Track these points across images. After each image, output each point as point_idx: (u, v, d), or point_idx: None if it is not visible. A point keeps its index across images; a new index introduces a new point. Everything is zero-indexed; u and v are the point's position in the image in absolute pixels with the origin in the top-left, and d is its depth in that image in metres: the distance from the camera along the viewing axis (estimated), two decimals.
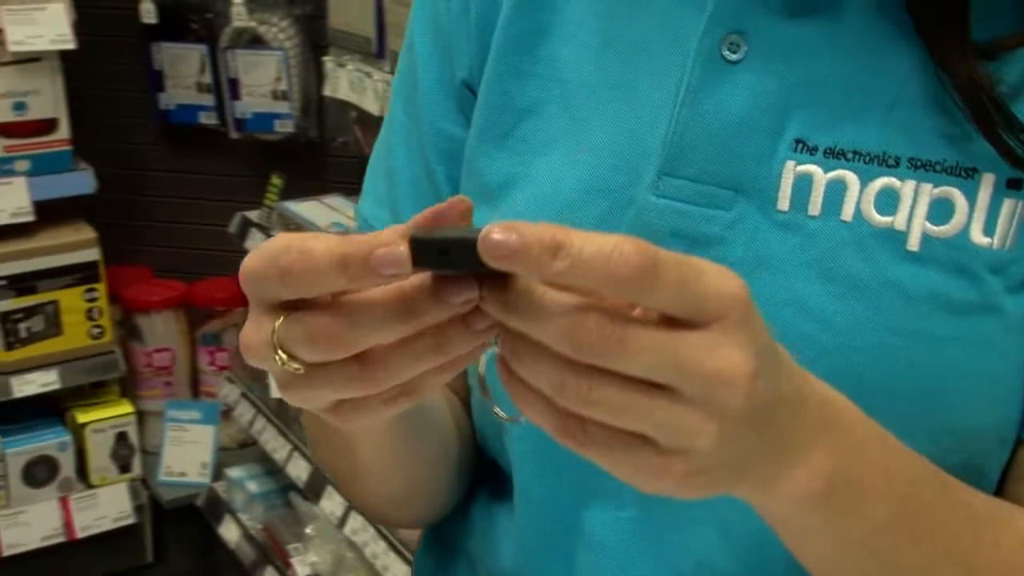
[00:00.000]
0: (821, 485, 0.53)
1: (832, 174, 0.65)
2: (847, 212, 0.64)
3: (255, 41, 2.54)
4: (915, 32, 0.64)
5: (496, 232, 0.44)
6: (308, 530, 2.29)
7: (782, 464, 0.52)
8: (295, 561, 2.29)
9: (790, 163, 0.65)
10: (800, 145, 0.65)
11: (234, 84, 2.55)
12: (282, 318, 0.51)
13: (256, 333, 0.52)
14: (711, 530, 0.68)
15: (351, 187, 2.30)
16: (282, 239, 0.50)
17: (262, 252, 0.50)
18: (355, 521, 2.01)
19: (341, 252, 0.47)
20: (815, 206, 0.65)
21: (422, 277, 0.48)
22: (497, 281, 0.48)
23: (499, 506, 0.77)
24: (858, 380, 0.62)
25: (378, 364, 0.50)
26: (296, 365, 0.51)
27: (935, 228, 0.63)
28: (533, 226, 0.44)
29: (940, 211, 0.63)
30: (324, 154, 2.64)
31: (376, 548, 1.93)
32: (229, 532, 2.51)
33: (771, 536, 0.58)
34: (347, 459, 0.74)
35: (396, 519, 0.84)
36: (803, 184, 0.65)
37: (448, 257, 0.46)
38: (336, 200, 2.39)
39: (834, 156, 0.65)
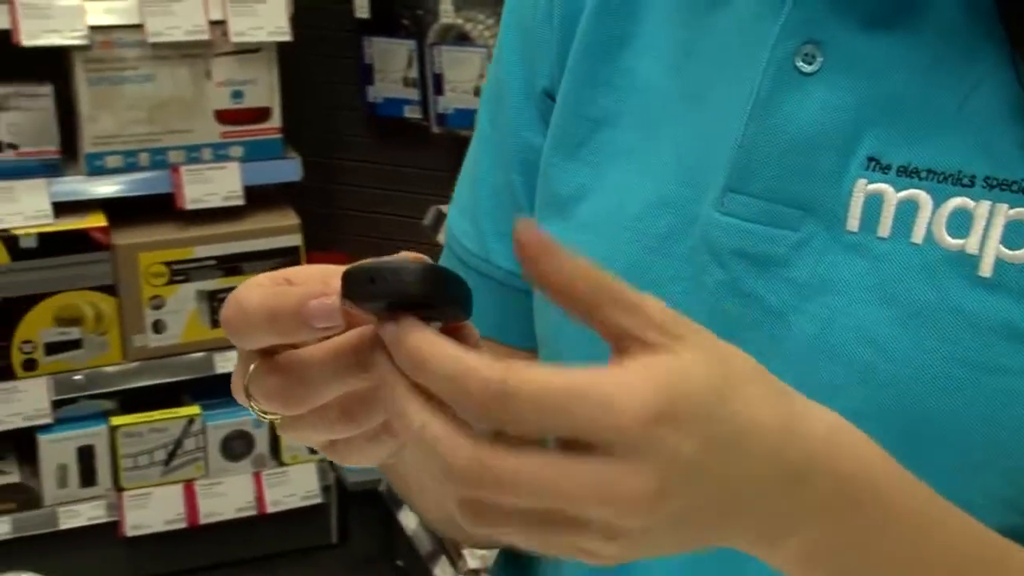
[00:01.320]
0: (814, 553, 0.51)
1: (904, 193, 0.60)
2: (918, 234, 0.60)
3: (461, 38, 2.57)
4: (998, 41, 0.59)
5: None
6: None
7: (765, 536, 0.50)
8: (466, 553, 2.31)
9: (861, 181, 0.61)
10: (873, 163, 0.61)
11: (438, 80, 2.59)
12: (253, 367, 0.50)
13: (236, 379, 0.52)
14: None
15: None
16: (238, 290, 0.50)
17: (228, 298, 0.50)
18: None
19: (270, 307, 0.47)
20: (885, 227, 0.60)
21: (372, 328, 0.47)
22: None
23: None
24: (922, 412, 0.58)
25: (356, 403, 0.50)
26: (271, 416, 0.51)
27: (1010, 252, 0.58)
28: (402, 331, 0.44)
29: (1016, 234, 0.58)
30: None
31: None
32: (408, 519, 2.56)
33: None
34: (392, 473, 0.73)
35: (456, 535, 0.82)
36: (874, 204, 0.61)
37: (376, 286, 0.45)
38: None
39: (907, 175, 0.60)
